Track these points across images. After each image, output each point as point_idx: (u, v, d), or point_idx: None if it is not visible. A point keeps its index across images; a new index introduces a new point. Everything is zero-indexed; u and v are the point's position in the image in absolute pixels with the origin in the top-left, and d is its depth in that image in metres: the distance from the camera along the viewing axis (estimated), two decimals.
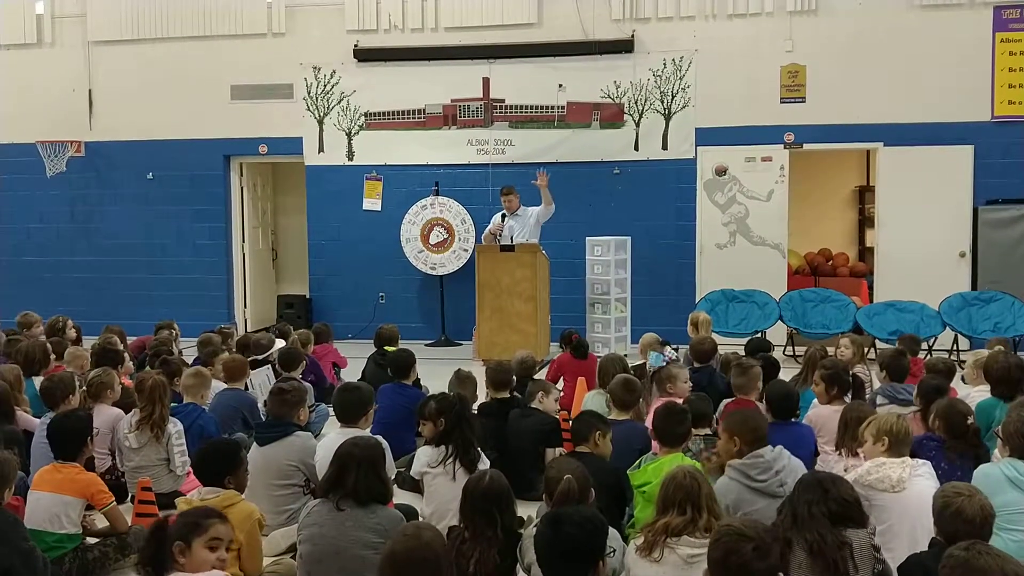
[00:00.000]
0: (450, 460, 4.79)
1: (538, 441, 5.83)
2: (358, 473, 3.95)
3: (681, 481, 3.72)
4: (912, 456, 4.41)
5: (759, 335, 9.78)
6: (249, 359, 7.77)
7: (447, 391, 6.15)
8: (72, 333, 8.70)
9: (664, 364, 6.12)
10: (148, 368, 7.11)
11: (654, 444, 4.82)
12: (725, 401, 6.12)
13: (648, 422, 5.64)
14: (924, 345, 9.15)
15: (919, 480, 4.12)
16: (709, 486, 3.78)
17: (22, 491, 4.79)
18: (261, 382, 7.45)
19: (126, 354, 7.76)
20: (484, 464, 4.86)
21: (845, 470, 4.53)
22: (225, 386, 6.80)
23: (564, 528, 3.22)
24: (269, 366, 7.73)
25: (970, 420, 4.89)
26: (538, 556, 3.31)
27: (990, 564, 2.81)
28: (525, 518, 4.18)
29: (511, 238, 10.53)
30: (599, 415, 5.08)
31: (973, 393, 6.01)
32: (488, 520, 3.71)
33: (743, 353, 7.40)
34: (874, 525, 4.16)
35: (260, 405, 6.98)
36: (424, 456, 4.96)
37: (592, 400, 6.40)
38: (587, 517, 3.30)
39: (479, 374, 6.65)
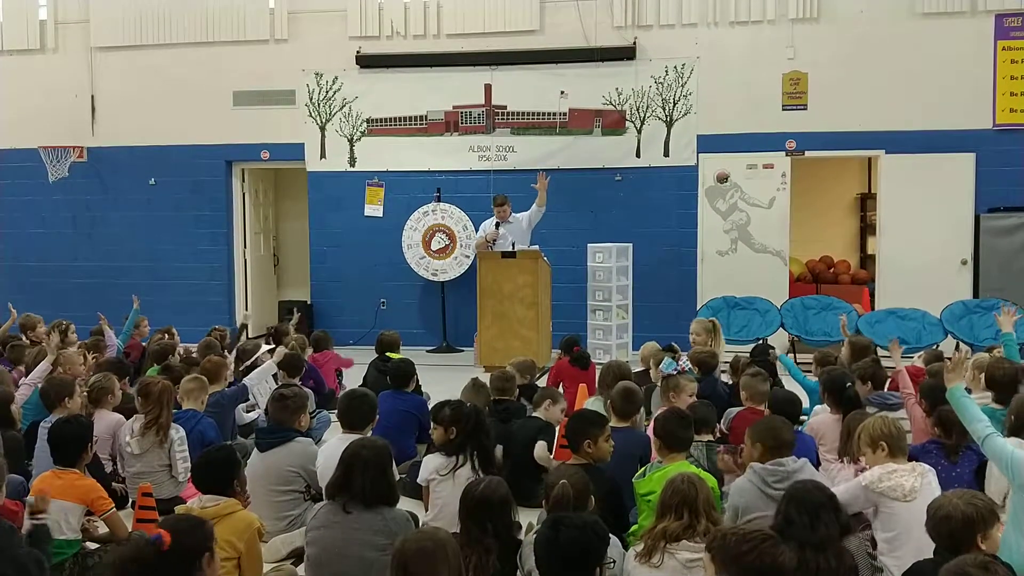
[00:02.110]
0: (460, 469, 4.77)
1: (532, 442, 5.82)
2: (365, 475, 3.96)
3: (679, 487, 3.75)
4: (916, 458, 4.42)
5: (759, 342, 9.75)
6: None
7: (461, 399, 6.15)
8: (74, 337, 8.70)
9: (675, 372, 6.09)
10: (154, 370, 7.12)
11: (654, 452, 4.82)
12: (733, 410, 6.11)
13: (649, 430, 5.64)
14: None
15: (929, 490, 4.11)
16: (708, 492, 3.77)
17: (22, 496, 4.78)
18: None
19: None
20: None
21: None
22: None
23: (565, 531, 3.23)
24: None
25: None
26: (537, 559, 3.32)
27: None
28: (525, 525, 4.17)
29: (512, 244, 10.51)
30: (590, 417, 4.95)
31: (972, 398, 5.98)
32: (480, 526, 3.71)
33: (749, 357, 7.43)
34: (869, 533, 4.17)
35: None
36: (432, 463, 4.95)
37: (591, 406, 6.38)
38: (588, 522, 3.31)
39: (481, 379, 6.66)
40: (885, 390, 6.15)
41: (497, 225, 10.67)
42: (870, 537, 4.21)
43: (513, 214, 10.79)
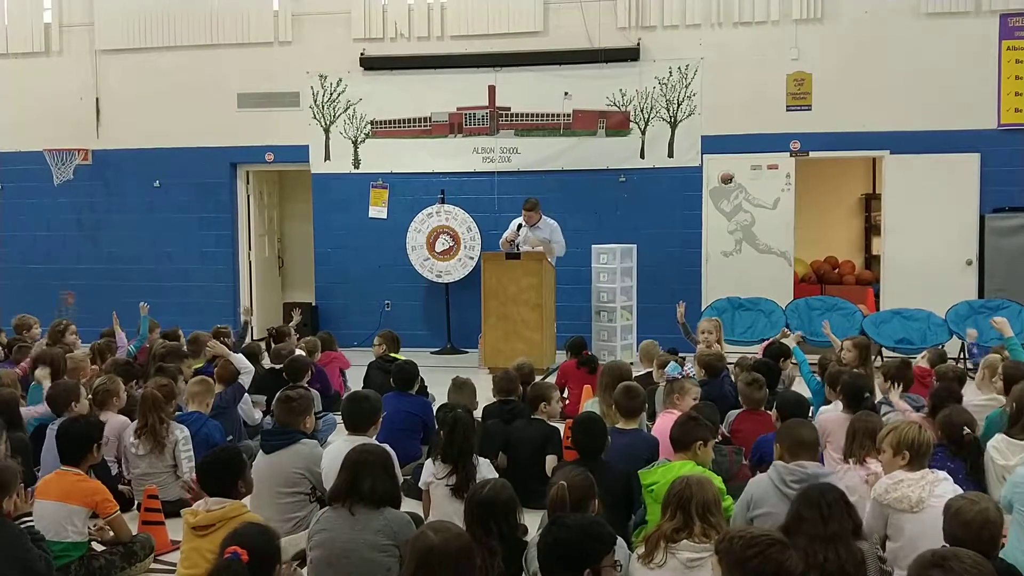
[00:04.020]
0: (453, 476, 4.78)
1: (538, 450, 5.81)
2: (374, 477, 3.98)
3: (676, 488, 3.79)
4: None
5: (764, 342, 9.74)
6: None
7: (447, 400, 6.16)
8: (72, 337, 8.72)
9: (679, 376, 6.10)
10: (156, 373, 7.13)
11: (662, 455, 4.83)
12: (734, 412, 6.12)
13: (654, 431, 5.63)
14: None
15: (939, 501, 3.93)
16: (707, 496, 3.75)
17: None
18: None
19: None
20: (491, 472, 4.84)
21: (866, 481, 4.54)
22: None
23: (558, 532, 3.26)
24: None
25: (966, 431, 4.91)
26: (538, 560, 3.34)
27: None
28: (533, 527, 4.17)
29: (517, 246, 10.50)
30: (603, 422, 5.04)
31: (976, 401, 5.98)
32: (485, 529, 3.71)
33: (762, 357, 7.48)
34: (876, 536, 4.15)
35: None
36: (430, 467, 4.98)
37: (592, 407, 6.38)
38: (583, 523, 3.32)
39: (484, 381, 6.63)
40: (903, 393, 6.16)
41: (519, 227, 10.65)
42: (877, 540, 4.19)
43: (545, 219, 10.76)
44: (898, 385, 5.98)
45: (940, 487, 4.12)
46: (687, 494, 3.71)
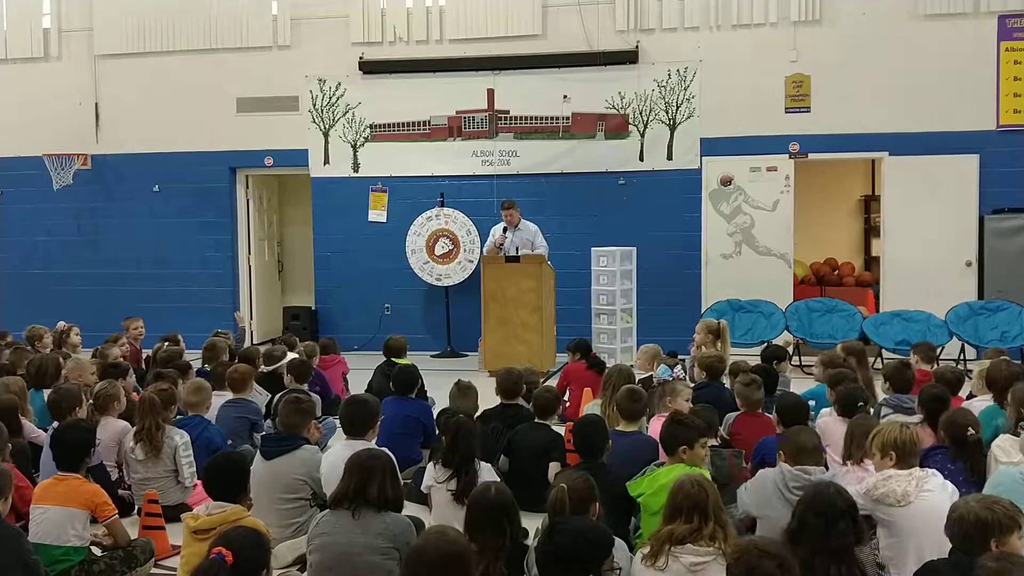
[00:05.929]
0: (454, 480, 4.78)
1: (540, 455, 5.81)
2: (382, 482, 3.98)
3: (688, 490, 3.74)
4: (921, 464, 4.41)
5: (764, 344, 9.75)
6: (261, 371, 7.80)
7: (448, 404, 6.15)
8: (76, 339, 8.72)
9: (670, 378, 6.11)
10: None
11: (661, 455, 4.84)
12: (732, 414, 6.13)
13: (650, 434, 5.64)
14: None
15: (929, 495, 4.09)
16: (716, 495, 3.78)
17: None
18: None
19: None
20: (492, 477, 4.85)
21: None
22: (230, 396, 6.79)
23: (557, 538, 3.26)
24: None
25: (970, 431, 4.91)
26: (538, 565, 3.34)
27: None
28: (534, 531, 4.17)
29: (516, 249, 10.52)
30: (604, 425, 5.08)
31: (975, 403, 5.99)
32: (494, 532, 3.70)
33: (759, 359, 7.48)
34: (876, 542, 4.16)
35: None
36: (432, 471, 4.99)
37: (593, 409, 6.39)
38: (582, 528, 3.32)
39: (484, 384, 6.63)
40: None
41: (504, 230, 10.66)
42: (877, 546, 4.20)
43: (524, 221, 10.77)
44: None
45: (929, 482, 4.18)
46: (702, 495, 3.68)
